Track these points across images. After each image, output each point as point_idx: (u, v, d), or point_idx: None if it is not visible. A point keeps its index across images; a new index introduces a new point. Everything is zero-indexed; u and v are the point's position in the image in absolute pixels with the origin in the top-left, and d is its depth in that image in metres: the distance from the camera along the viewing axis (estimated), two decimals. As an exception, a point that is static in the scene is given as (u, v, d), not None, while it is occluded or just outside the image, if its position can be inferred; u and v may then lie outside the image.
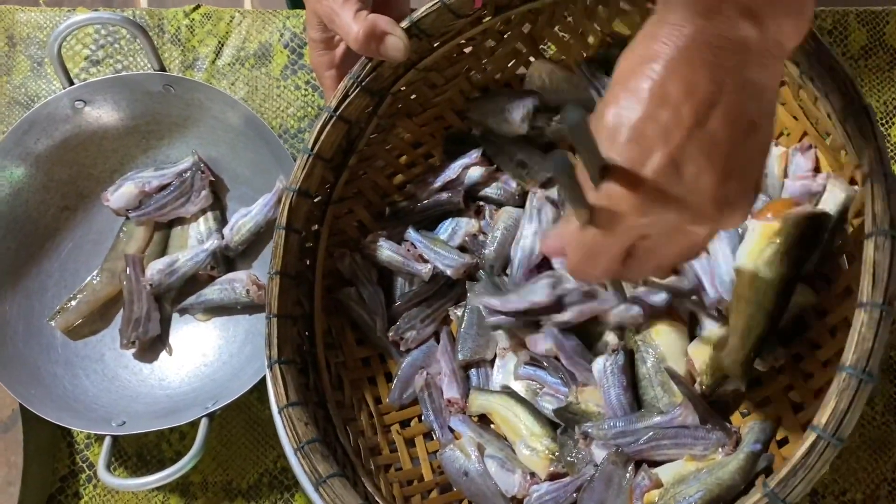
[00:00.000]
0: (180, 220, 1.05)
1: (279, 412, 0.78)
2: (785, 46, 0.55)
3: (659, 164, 0.53)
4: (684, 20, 0.53)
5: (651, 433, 0.77)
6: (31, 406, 0.92)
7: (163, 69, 1.01)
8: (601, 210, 0.55)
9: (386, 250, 0.91)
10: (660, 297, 0.80)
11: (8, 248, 1.00)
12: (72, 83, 0.99)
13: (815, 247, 0.76)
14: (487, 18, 0.84)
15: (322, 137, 0.83)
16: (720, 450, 0.76)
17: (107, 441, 0.91)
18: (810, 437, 0.58)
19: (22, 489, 0.92)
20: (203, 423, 0.90)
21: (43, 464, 0.98)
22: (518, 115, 0.89)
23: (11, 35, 1.12)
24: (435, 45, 0.85)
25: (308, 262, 0.88)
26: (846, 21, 1.00)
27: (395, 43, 0.78)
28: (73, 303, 1.01)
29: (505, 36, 0.88)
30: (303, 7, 1.10)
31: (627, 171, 0.54)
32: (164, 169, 1.03)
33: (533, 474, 0.83)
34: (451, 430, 0.89)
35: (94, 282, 1.02)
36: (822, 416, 0.58)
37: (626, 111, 0.53)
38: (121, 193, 1.02)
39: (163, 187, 1.03)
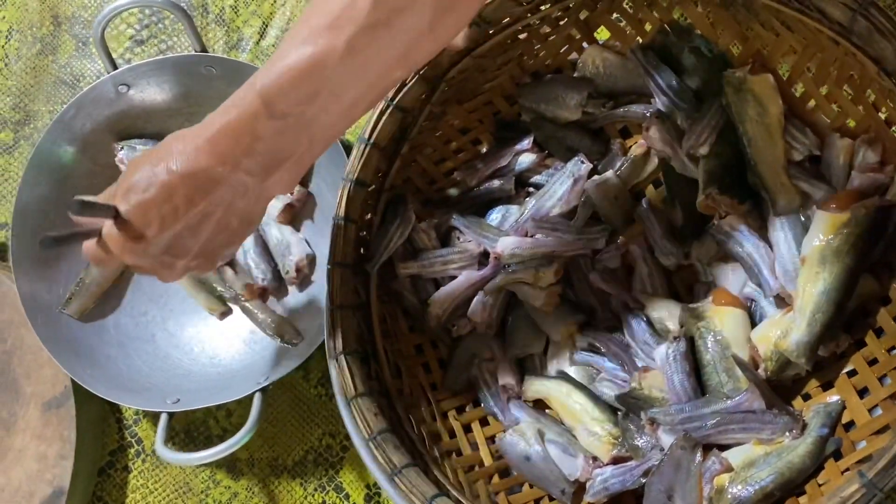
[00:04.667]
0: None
1: (348, 403, 0.78)
2: (275, 194, 0.70)
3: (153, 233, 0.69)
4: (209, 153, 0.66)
5: (718, 418, 0.78)
6: (89, 386, 0.93)
7: (204, 50, 1.00)
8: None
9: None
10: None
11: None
12: (115, 67, 0.98)
13: (882, 237, 0.77)
14: (546, 6, 0.83)
15: (379, 127, 0.83)
16: (787, 434, 0.76)
17: (163, 418, 0.93)
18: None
19: (75, 463, 0.95)
20: (257, 398, 0.91)
21: (94, 438, 1.00)
22: (573, 101, 0.89)
23: (56, 14, 1.11)
24: (490, 31, 0.84)
25: (363, 251, 0.88)
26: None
27: None
28: (80, 287, 1.01)
29: (561, 22, 0.88)
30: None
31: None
32: None
33: (595, 458, 0.84)
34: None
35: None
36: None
37: (145, 183, 0.67)
38: None
39: None
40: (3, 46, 1.11)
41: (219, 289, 1.01)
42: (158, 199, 0.67)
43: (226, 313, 1.02)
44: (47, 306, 0.98)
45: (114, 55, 1.07)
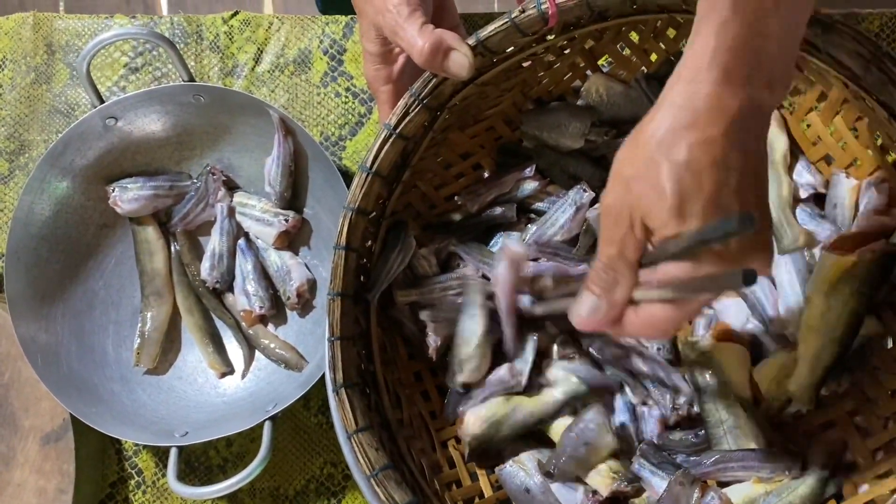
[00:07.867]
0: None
1: (348, 438, 0.77)
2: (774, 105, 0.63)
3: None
4: (721, 91, 0.60)
5: (718, 455, 0.78)
6: (95, 424, 0.92)
7: (191, 79, 0.99)
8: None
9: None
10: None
11: (54, 270, 0.99)
12: (102, 101, 0.97)
13: (886, 281, 0.77)
14: (552, 36, 0.82)
15: (381, 155, 0.81)
16: (787, 473, 0.77)
17: (173, 452, 0.92)
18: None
19: (74, 496, 0.94)
20: (267, 426, 0.90)
21: (93, 471, 0.99)
22: (576, 130, 0.88)
23: (50, 43, 1.10)
24: (495, 60, 0.83)
25: (363, 279, 0.87)
26: (894, 24, 0.99)
27: (461, 59, 0.76)
28: (143, 339, 1.01)
29: (565, 51, 0.87)
30: (337, 12, 1.08)
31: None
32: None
33: (595, 492, 0.84)
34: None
35: (148, 314, 1.01)
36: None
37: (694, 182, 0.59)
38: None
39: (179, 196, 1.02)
40: (-3, 76, 1.10)
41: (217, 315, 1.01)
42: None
43: (226, 374, 1.01)
44: (45, 346, 0.96)
45: (108, 83, 1.07)
